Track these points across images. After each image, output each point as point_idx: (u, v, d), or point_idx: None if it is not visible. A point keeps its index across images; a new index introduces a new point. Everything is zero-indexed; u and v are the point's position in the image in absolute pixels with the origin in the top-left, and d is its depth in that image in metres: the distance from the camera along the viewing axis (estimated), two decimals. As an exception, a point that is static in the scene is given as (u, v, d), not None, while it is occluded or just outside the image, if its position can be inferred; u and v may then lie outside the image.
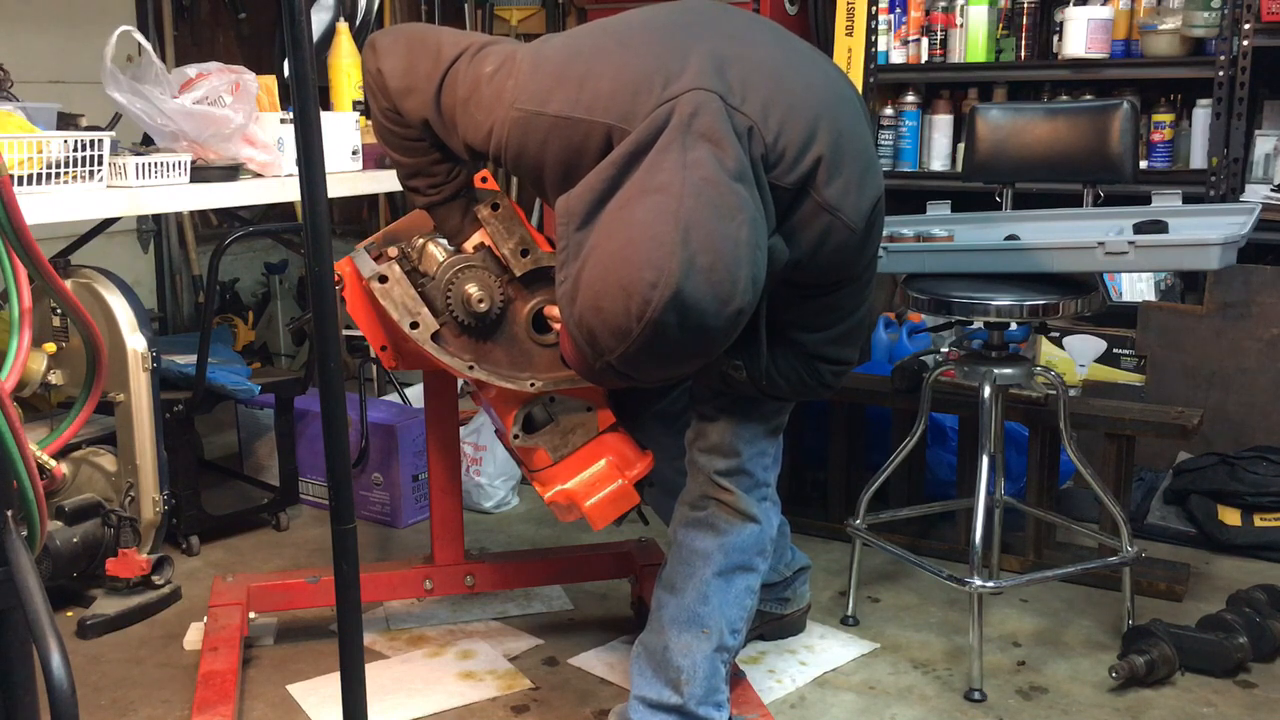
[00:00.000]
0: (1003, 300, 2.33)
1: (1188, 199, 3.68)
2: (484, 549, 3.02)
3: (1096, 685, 2.35)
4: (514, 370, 2.05)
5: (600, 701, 2.28)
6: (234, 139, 2.63)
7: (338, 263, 2.07)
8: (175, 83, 2.61)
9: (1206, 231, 2.37)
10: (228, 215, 3.57)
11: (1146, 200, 3.62)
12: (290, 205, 3.32)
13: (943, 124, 4.24)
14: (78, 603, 2.66)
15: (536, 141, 1.78)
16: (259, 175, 2.72)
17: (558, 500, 2.05)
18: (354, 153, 2.90)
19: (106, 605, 2.59)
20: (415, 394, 3.57)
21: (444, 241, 2.08)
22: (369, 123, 2.15)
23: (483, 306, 2.00)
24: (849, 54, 4.24)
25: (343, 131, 2.88)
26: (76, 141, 2.37)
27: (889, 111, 4.30)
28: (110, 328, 2.55)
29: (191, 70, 2.66)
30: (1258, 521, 2.98)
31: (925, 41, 4.18)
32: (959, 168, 4.10)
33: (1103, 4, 3.85)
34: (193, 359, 2.87)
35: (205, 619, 2.43)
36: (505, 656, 2.46)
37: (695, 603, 2.01)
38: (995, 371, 2.43)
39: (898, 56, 4.23)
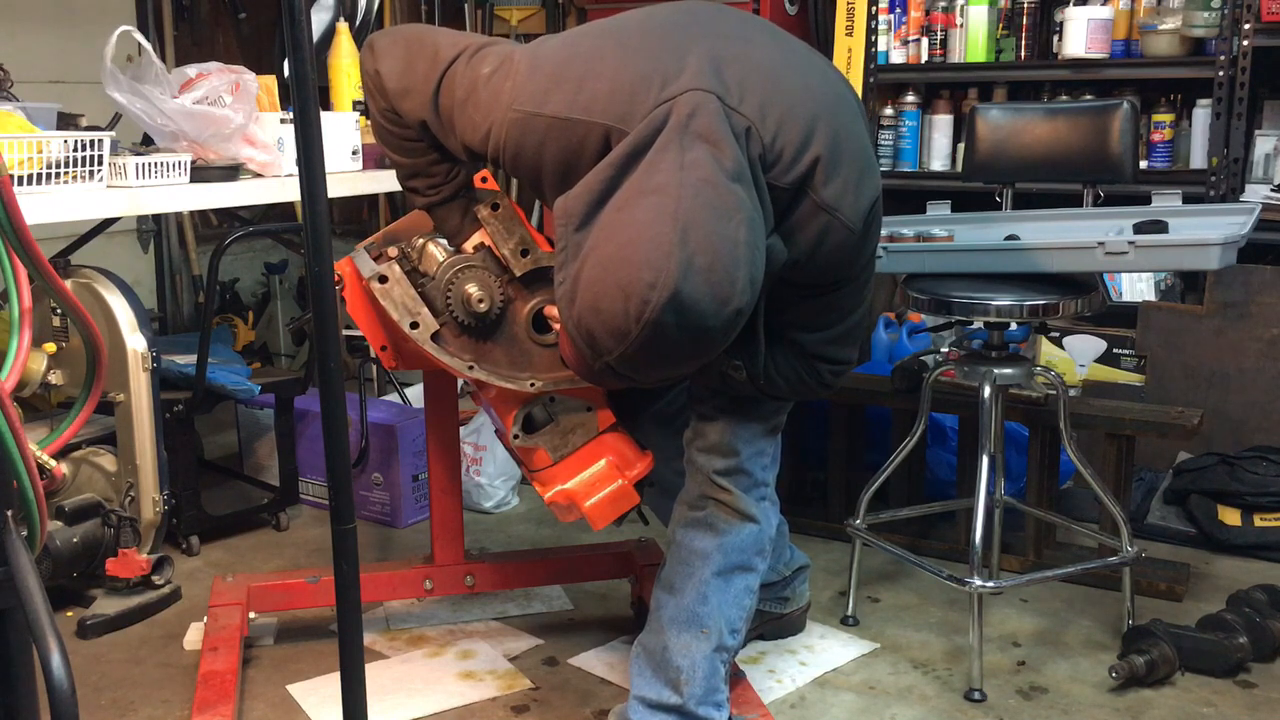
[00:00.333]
0: (1003, 300, 2.33)
1: (1188, 199, 3.68)
2: (484, 549, 3.02)
3: (1096, 685, 2.35)
4: (514, 370, 2.05)
5: (600, 701, 2.28)
6: (234, 139, 2.63)
7: (338, 263, 2.07)
8: (175, 83, 2.61)
9: (1206, 231, 2.37)
10: (228, 215, 3.58)
11: (1146, 200, 3.62)
12: (290, 205, 3.32)
13: (943, 124, 4.25)
14: (78, 603, 2.66)
15: (534, 142, 1.78)
16: (259, 175, 2.72)
17: (558, 500, 2.05)
18: (354, 153, 2.91)
19: (106, 605, 2.59)
20: (415, 394, 3.58)
21: (444, 241, 2.08)
22: (369, 123, 2.15)
23: (483, 306, 2.00)
24: (849, 54, 4.24)
25: (343, 131, 2.88)
26: (76, 141, 2.37)
27: (889, 111, 4.30)
28: (110, 328, 2.55)
29: (191, 70, 2.66)
30: (1258, 521, 2.98)
31: (925, 41, 4.18)
32: (959, 168, 4.10)
33: (1103, 4, 3.85)
34: (193, 359, 2.87)
35: (205, 619, 2.43)
36: (505, 656, 2.46)
37: (694, 603, 2.01)
38: (995, 371, 2.43)
39: (898, 56, 4.23)
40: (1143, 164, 3.87)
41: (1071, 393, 3.28)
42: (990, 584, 2.39)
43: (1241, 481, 3.02)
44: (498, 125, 1.80)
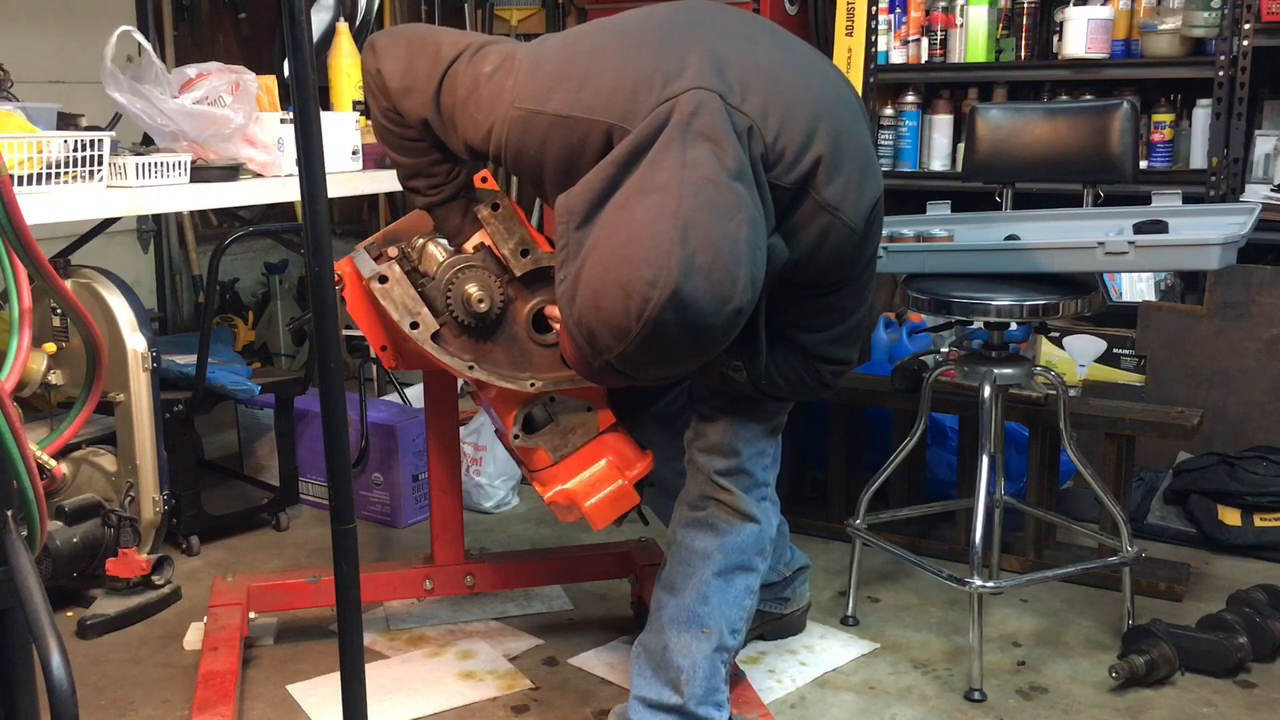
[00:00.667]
0: (1003, 300, 2.33)
1: (1188, 199, 3.68)
2: (484, 549, 3.02)
3: (1096, 685, 2.35)
4: (514, 370, 2.05)
5: (600, 701, 2.28)
6: (234, 139, 2.63)
7: (338, 263, 2.07)
8: (175, 83, 2.61)
9: (1206, 231, 2.37)
10: (228, 215, 3.57)
11: (1146, 200, 3.62)
12: (290, 205, 3.32)
13: (943, 124, 4.25)
14: (78, 603, 2.66)
15: (536, 140, 1.78)
16: (259, 175, 2.72)
17: (558, 500, 2.05)
18: (354, 153, 2.91)
19: (106, 605, 2.59)
20: (415, 394, 3.58)
21: (444, 241, 2.08)
22: (369, 123, 2.15)
23: (483, 306, 2.00)
24: (849, 54, 4.24)
25: (343, 131, 2.88)
26: (76, 141, 2.37)
27: (889, 111, 4.30)
28: (110, 328, 2.55)
29: (191, 70, 2.66)
30: (1258, 521, 2.98)
31: (925, 41, 4.19)
32: (959, 168, 4.10)
33: (1103, 4, 3.85)
34: (193, 359, 2.87)
35: (205, 619, 2.43)
36: (505, 656, 2.46)
37: (695, 603, 2.01)
38: (995, 371, 2.43)
39: (898, 56, 4.23)
40: (1143, 164, 3.87)
41: (1071, 393, 3.28)
42: (990, 584, 2.39)
43: (1241, 481, 3.02)
44: (499, 123, 1.80)
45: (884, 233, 2.49)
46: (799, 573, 2.47)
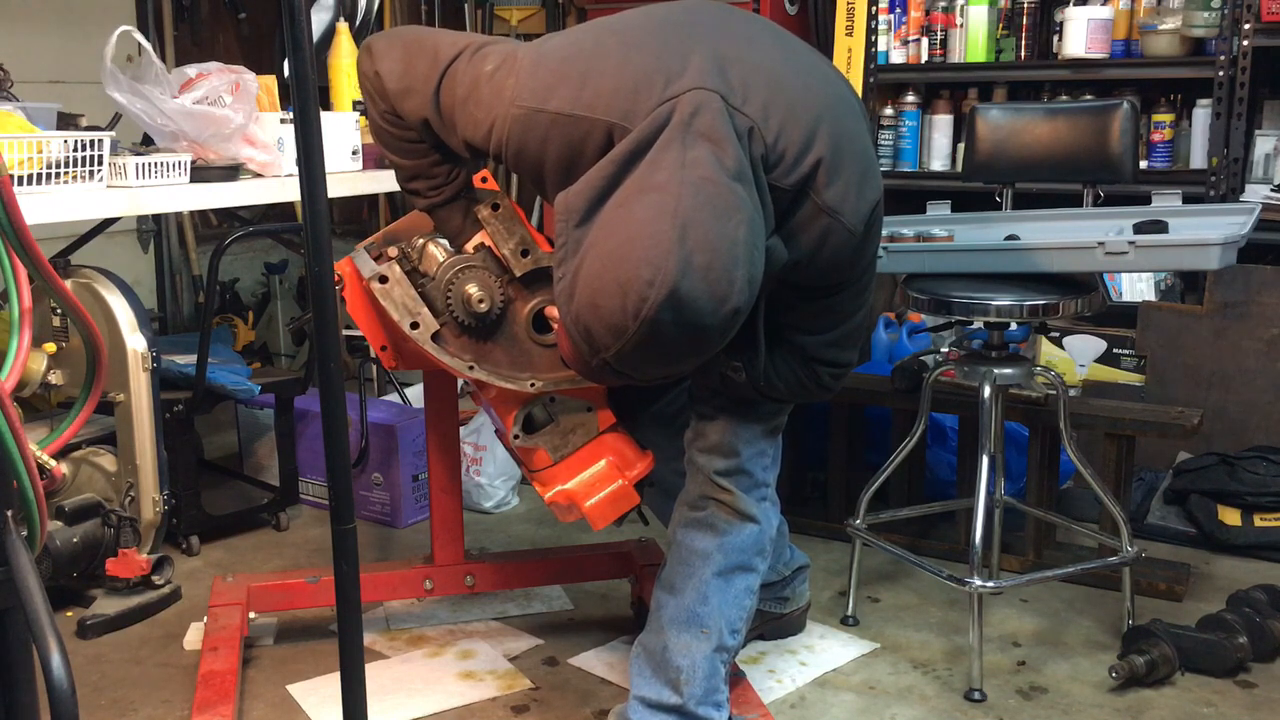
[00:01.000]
0: (1003, 300, 2.33)
1: (1188, 199, 3.68)
2: (484, 549, 3.02)
3: (1096, 685, 2.35)
4: (514, 370, 2.05)
5: (600, 701, 2.28)
6: (234, 139, 2.63)
7: (338, 263, 2.07)
8: (175, 83, 2.61)
9: (1206, 231, 2.37)
10: (228, 215, 3.58)
11: (1146, 200, 3.62)
12: (290, 205, 3.32)
13: (943, 124, 4.25)
14: (78, 603, 2.66)
15: (537, 139, 1.78)
16: (259, 175, 2.72)
17: (558, 500, 2.05)
18: (354, 153, 2.91)
19: (106, 605, 2.59)
20: (415, 394, 3.57)
21: (444, 241, 2.08)
22: (369, 123, 2.15)
23: (483, 307, 2.00)
24: (849, 54, 4.24)
25: (343, 131, 2.88)
26: (76, 141, 2.37)
27: (889, 111, 4.30)
28: (110, 328, 2.55)
29: (191, 70, 2.66)
30: (1258, 521, 2.98)
31: (925, 41, 4.18)
32: (959, 168, 4.10)
33: (1103, 4, 3.85)
34: (193, 359, 2.87)
35: (205, 619, 2.43)
36: (505, 656, 2.46)
37: (695, 603, 2.01)
38: (995, 371, 2.43)
39: (898, 56, 4.23)
40: (1143, 164, 3.87)
41: (1071, 393, 3.28)
42: (990, 584, 2.39)
43: (1241, 481, 3.02)
44: (500, 121, 1.80)
45: (884, 233, 2.49)
46: (799, 573, 2.48)
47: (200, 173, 2.60)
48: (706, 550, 2.02)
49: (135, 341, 2.58)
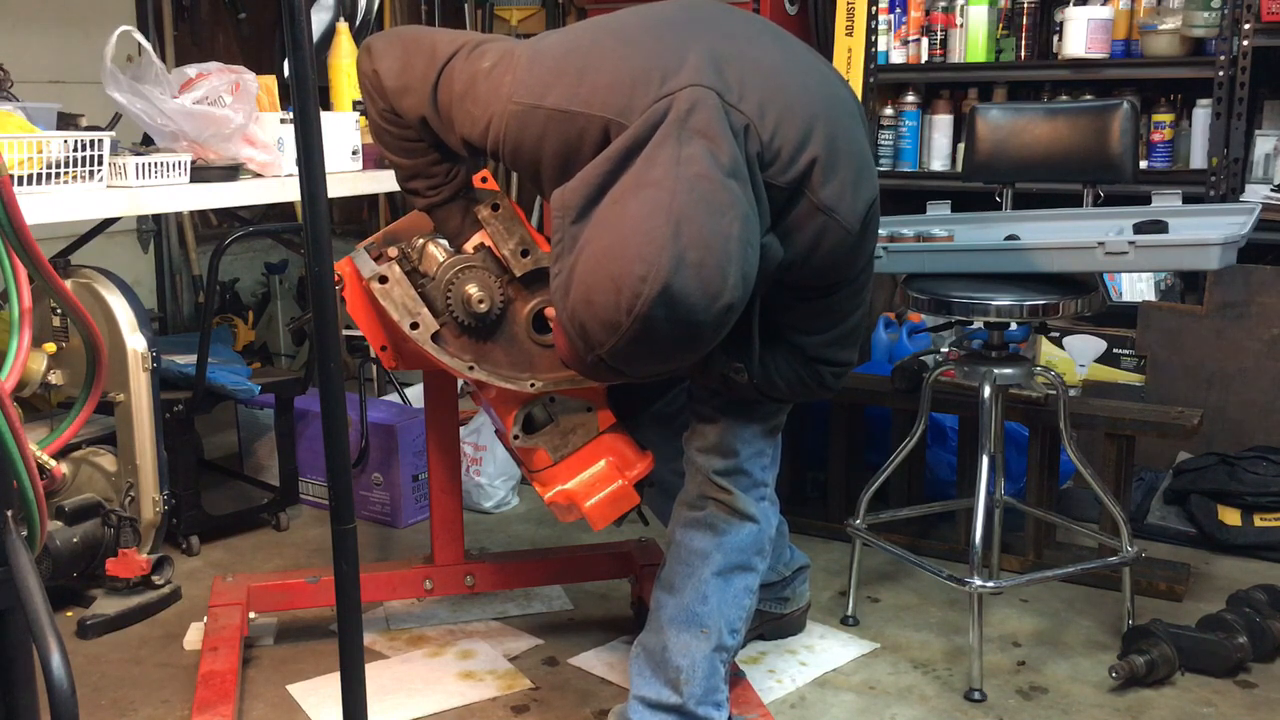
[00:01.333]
0: (1003, 300, 2.33)
1: (1188, 199, 3.68)
2: (484, 549, 3.02)
3: (1096, 685, 2.35)
4: (514, 371, 2.05)
5: (600, 701, 2.28)
6: (234, 139, 2.63)
7: (338, 263, 2.07)
8: (175, 83, 2.61)
9: (1206, 231, 2.37)
10: (228, 215, 3.58)
11: (1146, 200, 3.62)
12: (290, 205, 3.32)
13: (943, 124, 4.24)
14: (78, 603, 2.66)
15: (534, 135, 1.78)
16: (259, 175, 2.72)
17: (558, 500, 2.05)
18: (354, 153, 2.91)
19: (106, 605, 2.59)
20: (415, 394, 3.57)
21: (444, 242, 2.08)
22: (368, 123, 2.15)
23: (483, 307, 2.00)
24: (849, 54, 4.24)
25: (343, 131, 2.88)
26: (76, 141, 2.37)
27: (889, 111, 4.30)
28: (110, 328, 2.55)
29: (191, 70, 2.66)
30: (1258, 521, 2.98)
31: (925, 41, 4.18)
32: (959, 168, 4.10)
33: (1103, 4, 3.85)
34: (193, 359, 2.87)
35: (205, 619, 2.43)
36: (505, 656, 2.46)
37: (694, 602, 2.01)
38: (995, 371, 2.43)
39: (898, 56, 4.23)
40: (1143, 164, 3.87)
41: (1071, 393, 3.28)
42: (990, 584, 2.39)
43: (1241, 481, 3.02)
44: (497, 118, 1.80)
45: (884, 233, 2.50)
46: (799, 573, 2.48)
47: (200, 173, 2.60)
48: (706, 550, 2.02)
49: (135, 341, 2.58)
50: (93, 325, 1.72)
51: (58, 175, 2.34)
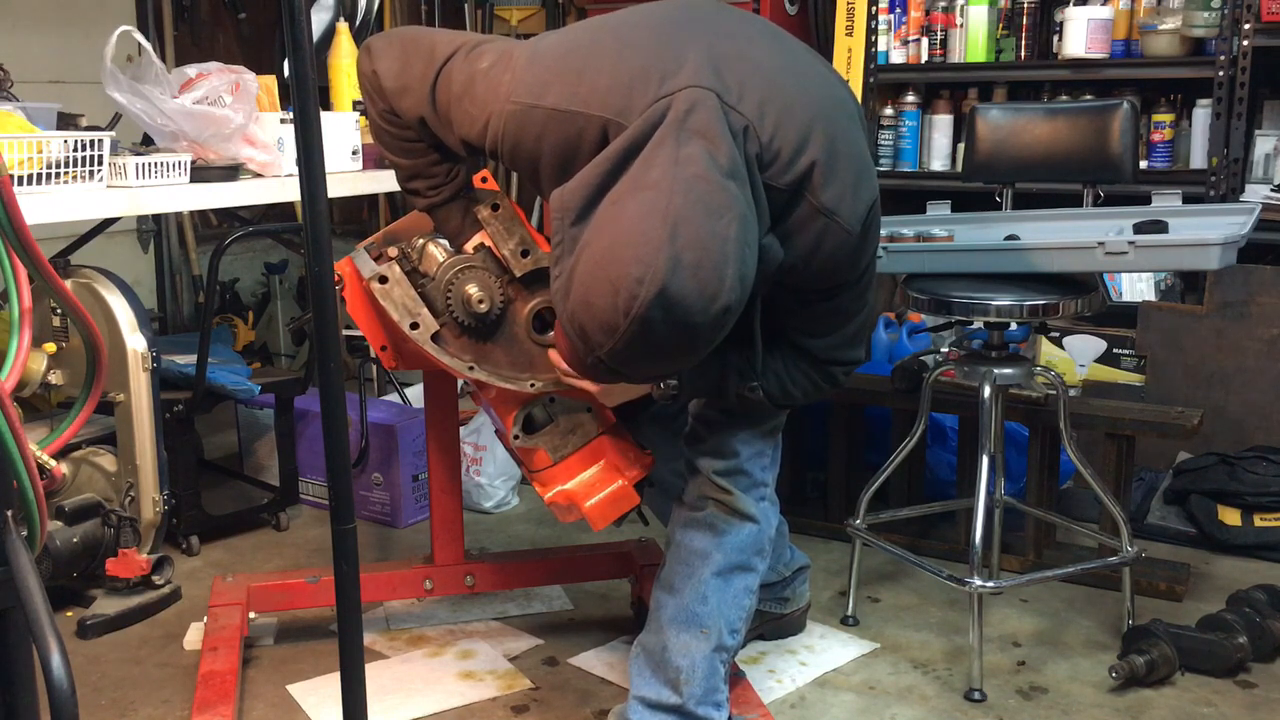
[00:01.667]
0: (1003, 300, 2.33)
1: (1188, 199, 3.68)
2: (484, 549, 3.02)
3: (1096, 685, 2.35)
4: (514, 371, 2.05)
5: (600, 701, 2.28)
6: (234, 139, 2.63)
7: (338, 263, 2.07)
8: (175, 83, 2.61)
9: (1206, 231, 2.37)
10: (228, 215, 3.58)
11: (1146, 200, 3.62)
12: (290, 205, 3.32)
13: (943, 124, 4.24)
14: (78, 603, 2.66)
15: (532, 135, 1.78)
16: (259, 175, 2.72)
17: (558, 501, 2.05)
18: (354, 153, 2.91)
19: (106, 605, 2.59)
20: (415, 394, 3.58)
21: (444, 242, 2.08)
22: (369, 123, 2.15)
23: (483, 307, 2.00)
24: (849, 54, 4.24)
25: (343, 131, 2.88)
26: (76, 141, 2.37)
27: (889, 111, 4.30)
28: (110, 328, 2.55)
29: (191, 70, 2.66)
30: (1258, 521, 2.98)
31: (925, 41, 4.18)
32: (959, 168, 4.10)
33: (1103, 4, 3.85)
34: (193, 359, 2.87)
35: (205, 619, 2.43)
36: (505, 656, 2.46)
37: (694, 602, 2.01)
38: (995, 371, 2.43)
39: (898, 56, 4.23)
40: (1143, 164, 3.86)
41: (1071, 393, 3.27)
42: (990, 584, 2.39)
43: (1241, 481, 3.02)
44: (496, 118, 1.80)
45: (884, 233, 2.49)
46: (799, 573, 2.48)
47: (200, 173, 2.60)
48: (705, 550, 2.03)
49: (135, 341, 2.58)
50: (93, 325, 1.72)
51: (58, 175, 2.34)
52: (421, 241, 2.09)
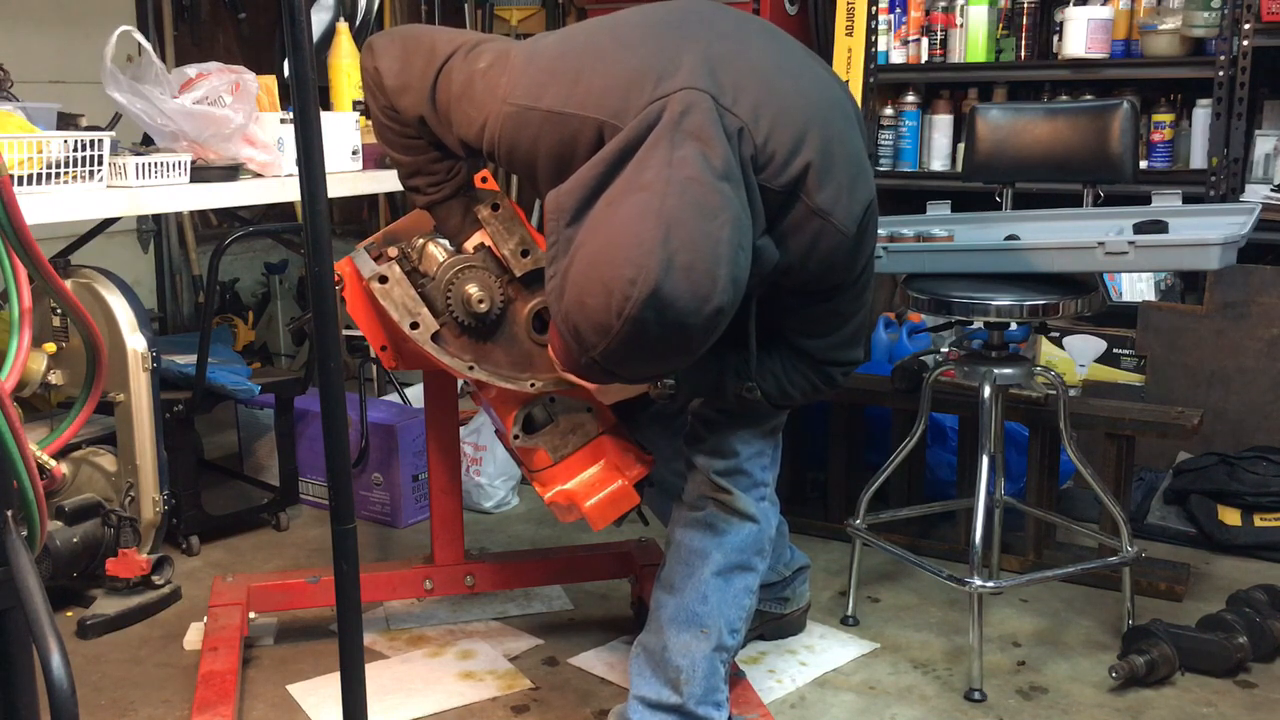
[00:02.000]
0: (1003, 300, 2.33)
1: (1188, 199, 3.68)
2: (484, 549, 3.02)
3: (1096, 685, 2.35)
4: (514, 371, 2.05)
5: (600, 701, 2.28)
6: (234, 139, 2.63)
7: (338, 263, 2.07)
8: (175, 83, 2.61)
9: (1206, 231, 2.37)
10: (228, 215, 3.58)
11: (1146, 200, 3.62)
12: (290, 205, 3.32)
13: (943, 124, 4.25)
14: (78, 603, 2.66)
15: (529, 136, 1.79)
16: (259, 175, 2.72)
17: (558, 501, 2.05)
18: (354, 153, 2.91)
19: (106, 605, 2.59)
20: (415, 394, 3.57)
21: (444, 242, 2.08)
22: (369, 122, 2.15)
23: (483, 307, 2.00)
24: (849, 54, 4.24)
25: (343, 131, 2.88)
26: (76, 141, 2.37)
27: (889, 111, 4.30)
28: (110, 328, 2.55)
29: (191, 70, 2.66)
30: (1258, 521, 2.98)
31: (925, 41, 4.19)
32: (959, 168, 4.10)
33: (1103, 4, 3.85)
34: (193, 359, 2.87)
35: (205, 619, 2.43)
36: (505, 656, 2.46)
37: (694, 602, 2.01)
38: (995, 371, 2.43)
39: (898, 56, 4.23)
40: (1143, 164, 3.87)
41: (1071, 393, 3.28)
42: (990, 584, 2.39)
43: (1241, 481, 3.02)
44: (493, 119, 1.80)
45: (884, 233, 2.50)
46: (799, 573, 2.48)
47: (200, 173, 2.60)
48: (706, 550, 2.03)
49: (135, 341, 2.58)
50: (93, 325, 1.72)
51: (58, 175, 2.34)
52: (421, 241, 2.09)
